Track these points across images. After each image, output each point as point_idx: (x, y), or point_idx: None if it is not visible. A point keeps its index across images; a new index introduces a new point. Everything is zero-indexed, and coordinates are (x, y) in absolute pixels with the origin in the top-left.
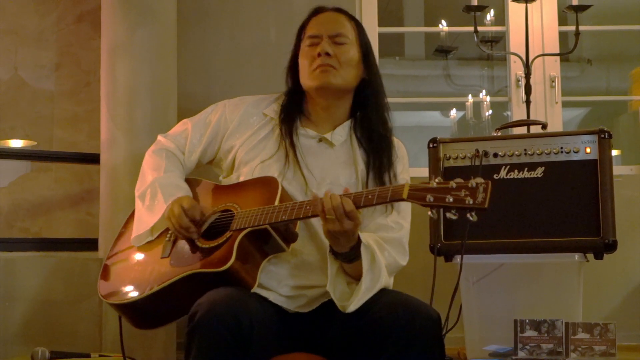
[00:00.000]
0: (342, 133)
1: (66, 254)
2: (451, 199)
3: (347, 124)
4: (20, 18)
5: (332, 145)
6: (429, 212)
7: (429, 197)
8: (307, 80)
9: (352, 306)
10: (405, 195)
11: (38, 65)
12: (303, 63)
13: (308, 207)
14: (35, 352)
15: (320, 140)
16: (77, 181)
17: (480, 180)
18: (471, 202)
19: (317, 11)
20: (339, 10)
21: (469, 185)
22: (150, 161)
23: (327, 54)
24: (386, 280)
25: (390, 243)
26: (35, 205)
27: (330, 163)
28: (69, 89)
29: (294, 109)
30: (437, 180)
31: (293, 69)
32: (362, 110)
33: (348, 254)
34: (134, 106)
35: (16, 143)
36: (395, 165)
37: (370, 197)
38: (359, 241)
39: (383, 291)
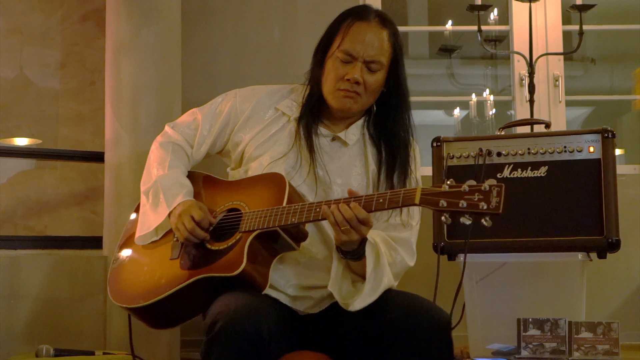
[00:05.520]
0: (355, 131)
1: (71, 252)
2: (465, 204)
3: (360, 122)
4: (25, 17)
5: (345, 145)
6: (442, 217)
7: (442, 202)
8: (327, 94)
9: (357, 304)
10: (417, 201)
11: (43, 64)
12: (329, 74)
13: (318, 210)
14: (39, 350)
15: (333, 139)
16: (82, 179)
17: (493, 182)
18: (485, 207)
19: (361, 17)
20: (383, 22)
21: (482, 188)
22: (156, 154)
23: (357, 82)
24: (389, 280)
25: (400, 243)
26: (40, 204)
27: (343, 163)
28: (73, 88)
29: (313, 109)
30: (448, 182)
31: (319, 65)
32: (378, 108)
33: (356, 251)
34: (138, 105)
35: (21, 141)
36: (409, 166)
37: (381, 201)
38: (365, 237)
39: (394, 291)
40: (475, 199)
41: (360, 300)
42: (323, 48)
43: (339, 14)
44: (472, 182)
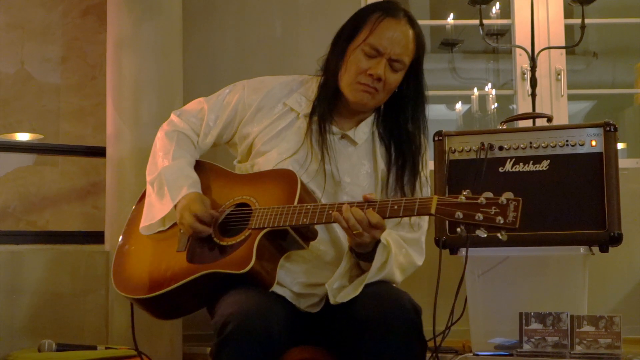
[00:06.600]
0: (365, 129)
1: (72, 247)
2: (481, 217)
3: (370, 119)
4: (26, 12)
5: (354, 144)
6: (458, 229)
7: (458, 214)
8: (345, 86)
9: (339, 297)
10: (433, 211)
11: (44, 59)
12: (351, 66)
13: (330, 212)
14: (42, 344)
15: (342, 137)
16: (84, 174)
17: (510, 196)
18: (502, 221)
19: (392, 13)
20: (411, 22)
21: (500, 202)
22: (161, 143)
23: (379, 79)
24: (390, 279)
25: (410, 242)
26: (42, 199)
27: (351, 162)
28: (75, 83)
29: (325, 107)
30: (465, 193)
31: (339, 55)
32: (389, 107)
33: (370, 254)
34: (139, 100)
35: (23, 137)
36: (419, 167)
37: (396, 207)
38: (379, 239)
39: (371, 284)
40: (492, 213)
41: (344, 294)
42: (346, 38)
43: (365, 6)
44: (489, 195)
